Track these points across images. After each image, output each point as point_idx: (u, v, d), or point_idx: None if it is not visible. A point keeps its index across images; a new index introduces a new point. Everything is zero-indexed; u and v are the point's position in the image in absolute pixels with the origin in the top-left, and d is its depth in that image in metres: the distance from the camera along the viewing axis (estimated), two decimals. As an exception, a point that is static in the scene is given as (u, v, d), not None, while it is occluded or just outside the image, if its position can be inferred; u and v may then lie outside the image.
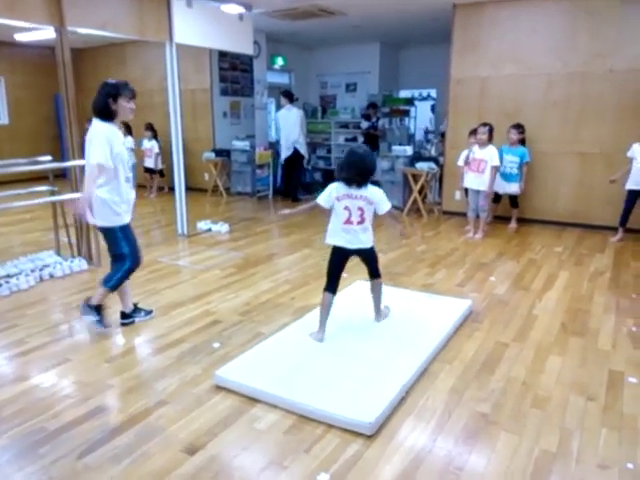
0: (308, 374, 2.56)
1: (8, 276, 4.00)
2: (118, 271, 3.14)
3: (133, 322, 3.31)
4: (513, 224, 6.00)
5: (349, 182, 2.90)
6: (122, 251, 3.12)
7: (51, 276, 4.16)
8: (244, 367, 2.61)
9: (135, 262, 3.18)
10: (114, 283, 3.14)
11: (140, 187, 8.20)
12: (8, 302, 3.68)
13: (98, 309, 3.16)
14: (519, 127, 5.68)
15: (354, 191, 2.90)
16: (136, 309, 3.37)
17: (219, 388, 2.51)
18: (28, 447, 2.08)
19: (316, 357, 2.74)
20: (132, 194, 3.17)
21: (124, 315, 3.31)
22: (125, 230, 3.11)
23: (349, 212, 2.92)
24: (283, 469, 1.96)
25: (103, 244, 4.59)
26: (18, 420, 2.25)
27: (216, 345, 2.99)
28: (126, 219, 3.11)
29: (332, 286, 2.99)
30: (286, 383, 2.46)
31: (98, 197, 2.99)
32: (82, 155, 4.49)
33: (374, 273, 3.16)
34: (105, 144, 2.92)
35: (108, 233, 3.10)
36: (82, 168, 4.35)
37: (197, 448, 2.08)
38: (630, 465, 1.98)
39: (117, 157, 2.99)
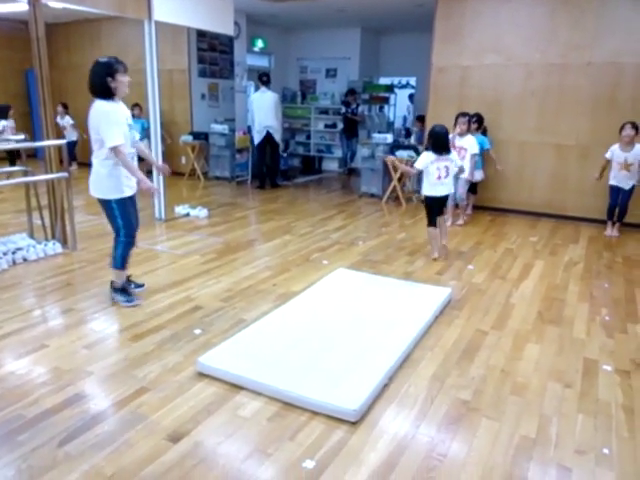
0: (291, 361, 2.56)
1: (-21, 259, 3.87)
2: (116, 248, 3.28)
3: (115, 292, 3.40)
4: (469, 210, 6.16)
5: (439, 151, 4.23)
6: (116, 224, 3.23)
7: (24, 260, 4.04)
8: (227, 354, 2.59)
9: (129, 235, 3.27)
10: (121, 262, 3.29)
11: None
12: (-21, 286, 3.56)
13: (123, 290, 3.34)
14: (474, 116, 5.73)
15: (442, 156, 4.26)
16: (129, 281, 3.48)
17: (202, 375, 2.49)
18: (6, 435, 2.03)
19: (299, 344, 2.74)
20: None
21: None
22: (121, 203, 3.19)
23: (439, 171, 4.25)
24: (268, 456, 1.96)
25: (78, 227, 4.54)
26: (-6, 408, 2.20)
27: (197, 332, 2.96)
28: (126, 193, 3.19)
29: (433, 222, 4.39)
30: (270, 370, 2.45)
31: (99, 171, 3.13)
32: (55, 134, 4.35)
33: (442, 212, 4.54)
34: (115, 122, 3.02)
35: (105, 205, 3.20)
36: (57, 148, 4.24)
37: (181, 435, 2.06)
38: (606, 450, 2.04)
39: (123, 134, 3.09)
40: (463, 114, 5.41)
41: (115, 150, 3.02)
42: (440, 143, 4.24)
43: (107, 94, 3.05)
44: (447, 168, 4.26)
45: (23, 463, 1.88)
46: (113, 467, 1.88)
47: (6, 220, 5.19)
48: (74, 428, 2.08)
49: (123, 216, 3.22)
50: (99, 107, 3.04)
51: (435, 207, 4.38)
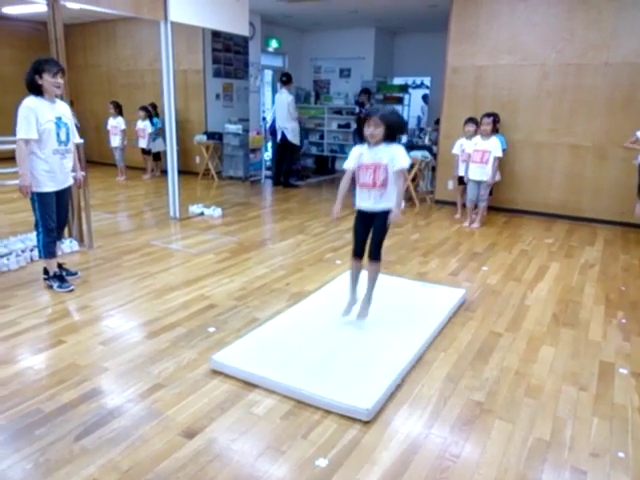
0: (305, 360, 2.57)
1: (-3, 256, 3.94)
2: (38, 240, 3.48)
3: (48, 279, 3.57)
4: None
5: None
6: (35, 216, 3.42)
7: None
8: (241, 352, 2.61)
9: (47, 228, 3.42)
10: (44, 252, 3.48)
11: (135, 169, 8.12)
12: (-2, 282, 3.63)
13: (56, 277, 3.52)
14: (492, 116, 5.67)
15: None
16: (61, 269, 3.64)
17: (216, 373, 2.51)
18: (24, 428, 2.06)
19: (313, 344, 2.75)
20: (64, 165, 3.43)
21: (46, 271, 3.60)
22: (43, 197, 3.35)
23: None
24: (281, 454, 1.97)
25: (94, 225, 4.60)
26: (13, 402, 2.23)
27: (211, 330, 2.98)
28: (45, 189, 3.34)
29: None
30: (283, 369, 2.47)
31: None
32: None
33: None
34: (30, 117, 3.18)
35: (29, 197, 3.38)
36: (75, 147, 4.29)
37: (195, 432, 2.08)
38: (621, 454, 2.02)
39: (44, 130, 3.25)
40: (488, 114, 5.39)
41: (18, 142, 3.19)
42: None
43: (36, 91, 3.24)
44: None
45: (41, 456, 1.91)
46: (129, 462, 1.90)
47: (23, 218, 5.25)
48: (90, 423, 2.11)
49: (41, 209, 3.38)
50: (23, 102, 3.22)
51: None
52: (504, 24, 5.97)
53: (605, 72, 5.60)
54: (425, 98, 10.05)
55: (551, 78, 5.86)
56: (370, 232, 2.90)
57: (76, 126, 3.63)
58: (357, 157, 2.87)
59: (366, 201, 2.86)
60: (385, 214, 2.82)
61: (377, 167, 2.79)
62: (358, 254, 2.96)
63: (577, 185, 5.97)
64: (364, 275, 3.01)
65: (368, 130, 2.74)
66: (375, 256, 2.91)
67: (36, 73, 3.21)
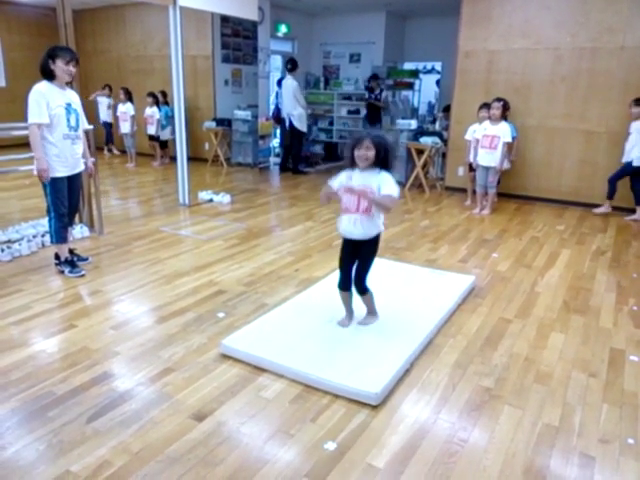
0: (314, 345, 2.58)
1: (9, 241, 3.99)
2: (50, 226, 3.51)
3: (59, 264, 3.61)
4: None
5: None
6: (47, 202, 3.44)
7: (53, 242, 4.14)
8: (250, 337, 2.63)
9: (58, 213, 3.43)
10: (55, 237, 3.51)
11: (145, 155, 8.15)
12: (10, 267, 3.67)
13: (67, 262, 3.56)
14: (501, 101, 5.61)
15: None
16: (72, 254, 3.67)
17: (225, 357, 2.53)
18: (37, 410, 2.09)
19: (321, 329, 2.75)
20: (74, 151, 3.44)
21: (57, 257, 3.63)
22: (54, 182, 3.37)
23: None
24: (290, 437, 1.99)
25: (105, 211, 4.63)
26: (26, 384, 2.27)
27: (221, 315, 3.00)
28: (58, 173, 3.37)
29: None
30: (292, 353, 2.48)
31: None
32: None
33: None
34: (41, 102, 3.20)
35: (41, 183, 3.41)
36: (84, 132, 4.30)
37: (205, 415, 2.10)
38: (631, 440, 2.01)
39: (54, 115, 3.27)
40: (498, 99, 5.32)
41: (30, 127, 3.22)
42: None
43: (48, 75, 3.27)
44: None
45: (54, 438, 1.95)
46: (140, 444, 1.93)
47: (35, 204, 5.30)
48: (102, 405, 2.14)
49: (53, 195, 3.40)
50: (34, 87, 3.24)
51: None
52: (517, 7, 5.87)
53: (620, 56, 5.49)
54: (438, 83, 9.94)
55: (565, 62, 5.76)
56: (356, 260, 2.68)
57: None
58: (344, 181, 2.61)
59: (351, 229, 2.62)
60: (373, 239, 2.66)
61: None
62: (344, 288, 2.74)
63: (590, 172, 5.89)
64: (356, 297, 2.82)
65: (359, 152, 2.51)
66: (361, 290, 2.71)
67: (50, 58, 3.24)
